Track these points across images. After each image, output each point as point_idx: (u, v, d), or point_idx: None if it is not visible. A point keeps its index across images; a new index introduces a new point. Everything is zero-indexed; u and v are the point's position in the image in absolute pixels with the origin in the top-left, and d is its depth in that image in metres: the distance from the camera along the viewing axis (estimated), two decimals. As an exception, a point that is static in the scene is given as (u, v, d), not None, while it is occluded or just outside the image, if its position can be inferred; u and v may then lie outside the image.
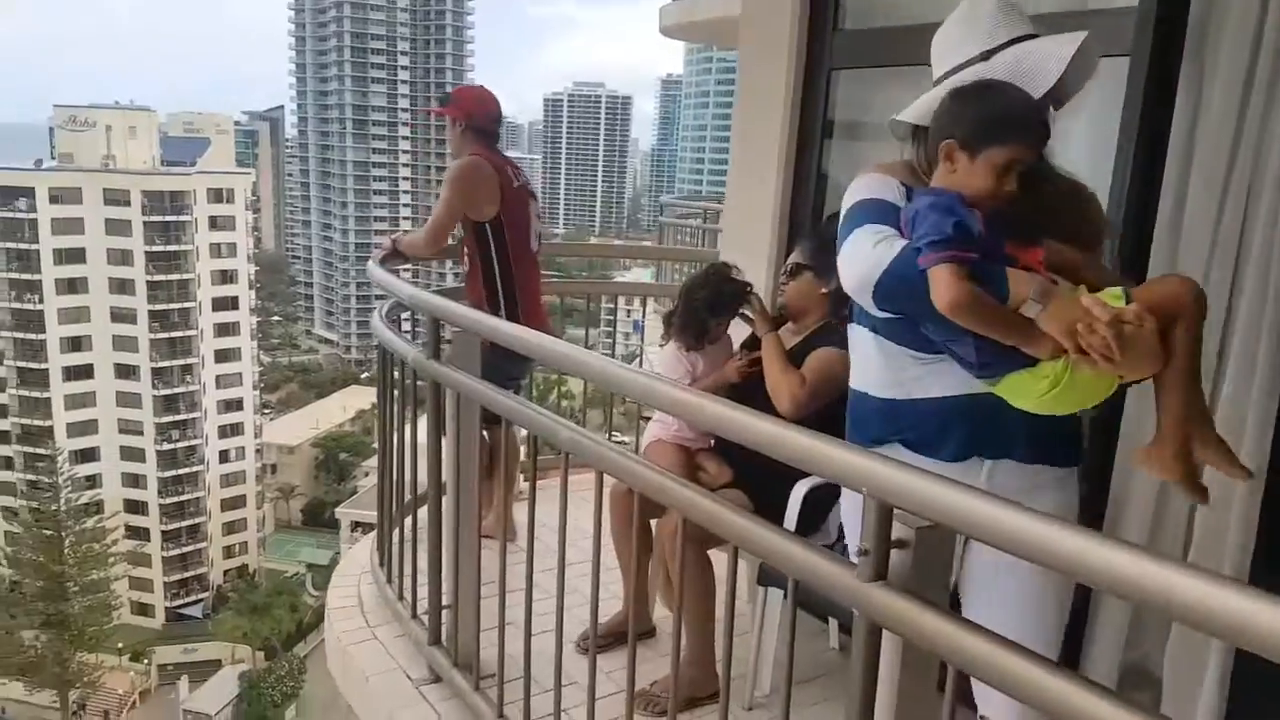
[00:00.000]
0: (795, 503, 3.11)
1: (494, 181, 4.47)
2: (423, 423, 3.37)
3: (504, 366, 3.34)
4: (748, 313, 3.56)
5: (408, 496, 3.68)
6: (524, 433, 3.17)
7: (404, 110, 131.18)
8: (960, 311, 1.92)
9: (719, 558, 2.90)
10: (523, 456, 4.23)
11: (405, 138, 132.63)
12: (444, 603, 3.29)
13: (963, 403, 2.13)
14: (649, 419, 4.10)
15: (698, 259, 7.96)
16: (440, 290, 4.56)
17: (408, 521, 3.62)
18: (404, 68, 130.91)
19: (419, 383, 3.37)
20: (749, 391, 3.32)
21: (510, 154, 4.79)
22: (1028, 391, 2.03)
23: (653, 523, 3.43)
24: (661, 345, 3.92)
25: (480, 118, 4.56)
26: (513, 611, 2.90)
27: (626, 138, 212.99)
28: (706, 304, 3.60)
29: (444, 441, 3.24)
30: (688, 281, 3.89)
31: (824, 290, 3.34)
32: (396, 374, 3.65)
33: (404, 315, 4.41)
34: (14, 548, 61.27)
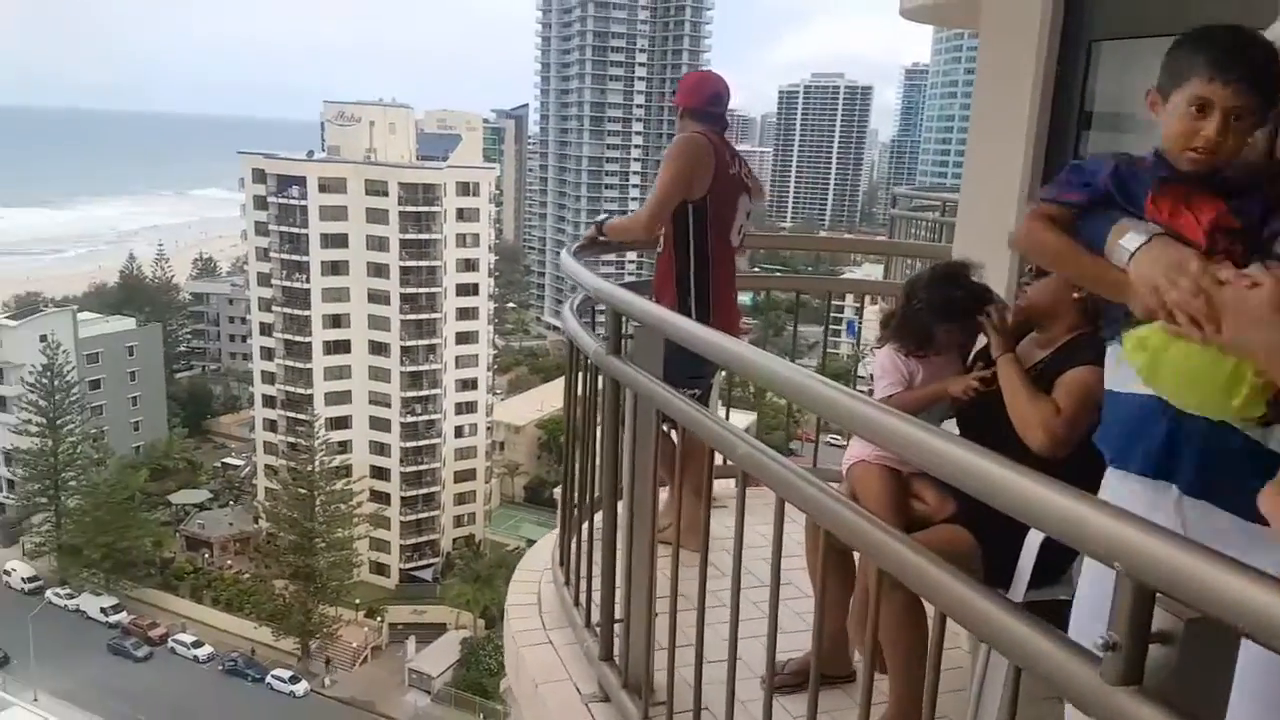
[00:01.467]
0: (1031, 550, 2.58)
1: (710, 160, 4.24)
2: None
3: (689, 365, 3.10)
4: (985, 323, 3.01)
5: (590, 497, 3.53)
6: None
7: (639, 106, 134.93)
8: (1023, 250, 1.97)
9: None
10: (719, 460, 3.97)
11: (638, 133, 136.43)
12: (617, 615, 3.11)
13: (1153, 404, 1.71)
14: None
15: (929, 255, 7.33)
16: (633, 284, 4.39)
17: (588, 523, 3.47)
18: (641, 64, 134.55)
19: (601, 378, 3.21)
20: (979, 415, 2.87)
21: (741, 147, 4.56)
22: (1136, 362, 1.68)
23: (855, 553, 3.05)
24: (877, 347, 3.52)
25: (698, 98, 4.38)
26: (688, 633, 2.66)
27: (865, 129, 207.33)
28: (932, 306, 3.15)
29: (623, 442, 3.05)
30: (912, 278, 3.46)
31: (1077, 294, 2.76)
32: (583, 367, 3.52)
33: (599, 309, 4.26)
34: (272, 503, 69.25)
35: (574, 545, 3.64)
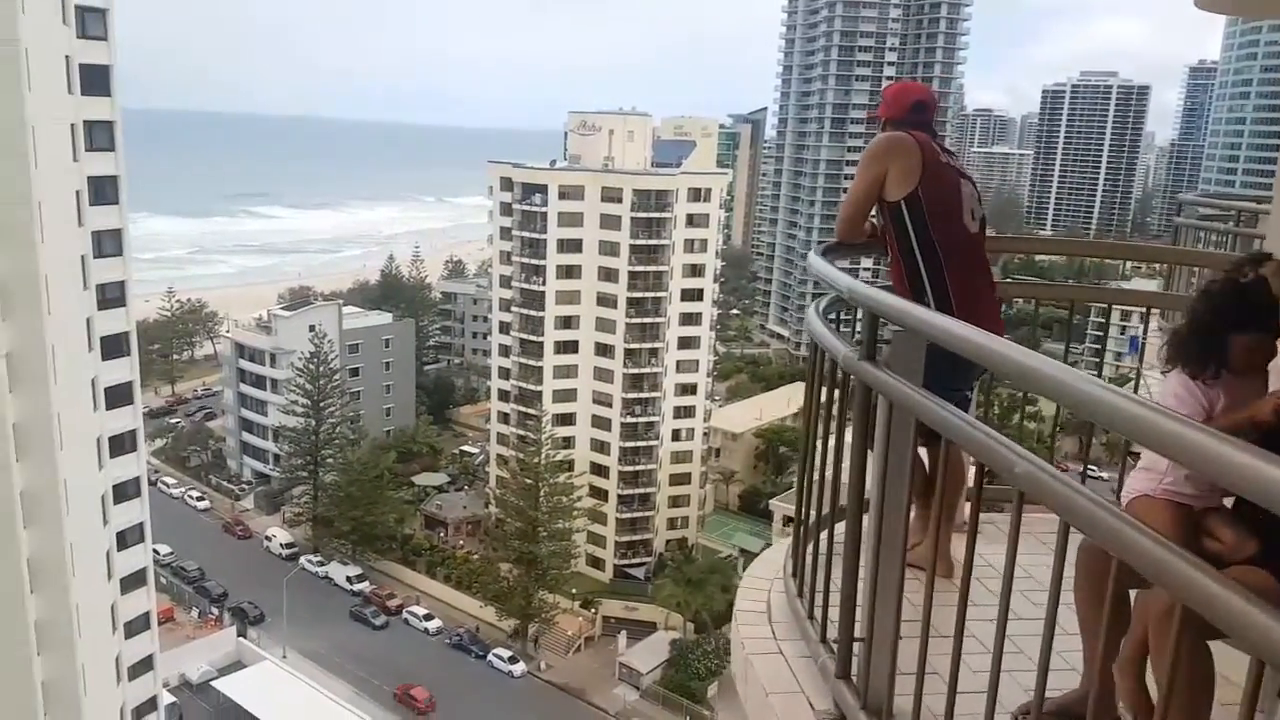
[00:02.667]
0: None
1: (912, 154, 4.08)
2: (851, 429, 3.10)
3: (945, 375, 2.92)
4: None
5: (828, 509, 3.43)
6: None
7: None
8: None
9: (1218, 647, 2.23)
10: (969, 481, 3.75)
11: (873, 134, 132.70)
12: (857, 634, 2.99)
13: None
14: (1138, 456, 3.33)
15: (1222, 265, 6.45)
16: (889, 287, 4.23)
17: (826, 535, 3.37)
18: (890, 64, 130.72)
19: (850, 385, 3.10)
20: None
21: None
22: None
23: (1132, 593, 2.76)
24: (1164, 372, 3.13)
25: (900, 109, 4.33)
26: (936, 660, 2.51)
27: (1140, 131, 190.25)
28: (1226, 315, 2.78)
29: (871, 453, 2.93)
30: (1203, 286, 3.08)
31: None
32: (827, 374, 3.42)
33: (844, 314, 4.15)
34: (502, 490, 73.64)
35: (809, 558, 3.55)
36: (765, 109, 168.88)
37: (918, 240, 4.10)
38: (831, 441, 3.36)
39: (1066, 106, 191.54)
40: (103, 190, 37.45)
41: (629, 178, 74.47)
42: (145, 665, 42.35)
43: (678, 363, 77.16)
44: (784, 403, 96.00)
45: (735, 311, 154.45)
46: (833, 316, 3.70)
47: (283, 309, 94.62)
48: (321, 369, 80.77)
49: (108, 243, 37.95)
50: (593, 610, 68.47)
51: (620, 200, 72.82)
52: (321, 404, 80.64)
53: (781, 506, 64.62)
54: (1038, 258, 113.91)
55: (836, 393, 3.25)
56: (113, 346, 37.77)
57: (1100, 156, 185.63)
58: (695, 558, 74.34)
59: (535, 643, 65.29)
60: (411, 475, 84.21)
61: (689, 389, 78.63)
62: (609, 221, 73.30)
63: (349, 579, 71.97)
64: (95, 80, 36.44)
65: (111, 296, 38.12)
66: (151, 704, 43.62)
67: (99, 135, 37.26)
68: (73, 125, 34.57)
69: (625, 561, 75.40)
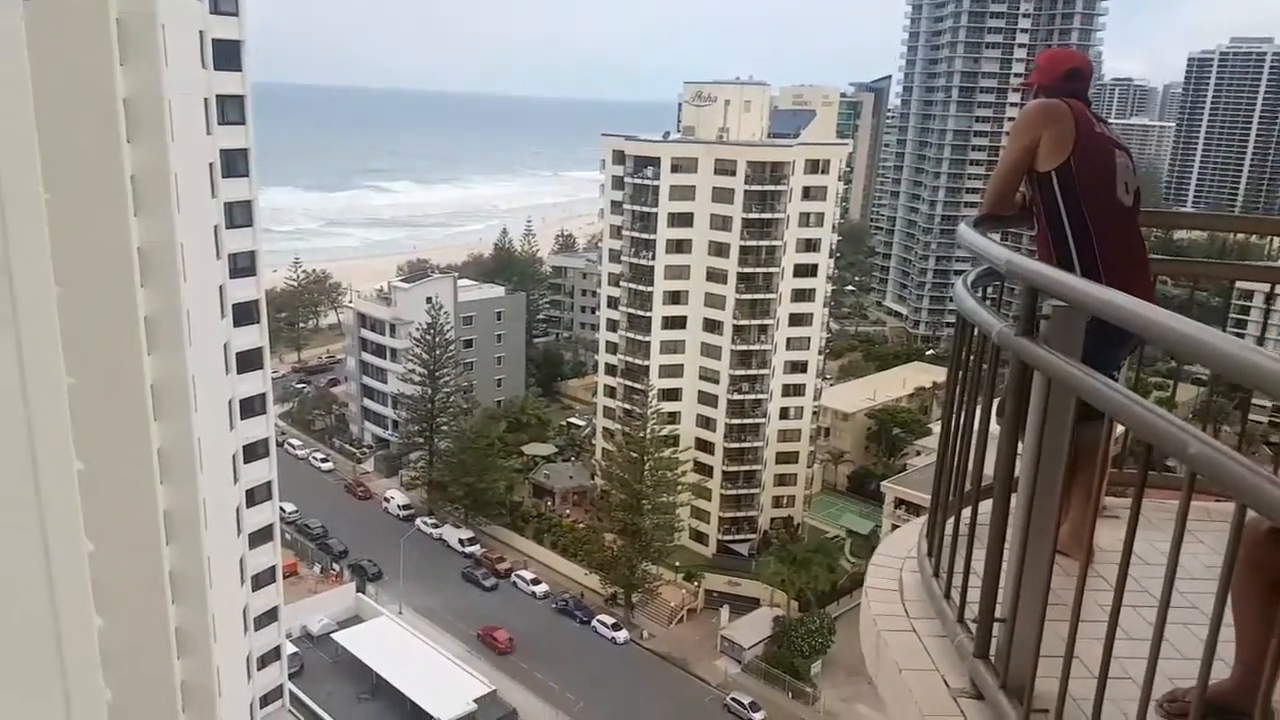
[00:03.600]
0: None
1: (1065, 122, 3.95)
2: (996, 406, 3.06)
3: (1097, 353, 2.84)
4: None
5: (969, 486, 3.39)
6: (1116, 433, 2.66)
7: (1016, 76, 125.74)
8: None
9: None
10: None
11: (1014, 104, 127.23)
12: (997, 614, 2.97)
13: None
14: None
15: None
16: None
17: (966, 514, 3.34)
18: (1023, 30, 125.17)
19: (1001, 361, 3.05)
20: None
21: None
22: None
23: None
24: None
25: (1052, 76, 4.21)
26: (1081, 645, 2.48)
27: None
28: None
29: (1022, 431, 2.88)
30: None
31: None
32: (975, 349, 3.36)
33: (991, 287, 4.05)
34: (608, 463, 74.77)
35: (946, 536, 3.52)
36: (889, 77, 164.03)
37: (1068, 213, 3.99)
38: (978, 417, 3.31)
39: (1214, 75, 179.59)
40: (234, 163, 39.43)
41: (743, 149, 73.63)
42: (270, 616, 44.98)
43: (788, 340, 76.32)
44: (899, 383, 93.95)
45: (851, 288, 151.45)
46: (980, 289, 3.62)
47: (402, 281, 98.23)
48: (437, 339, 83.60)
49: (239, 214, 40.01)
50: (695, 584, 69.04)
51: (734, 173, 72.12)
52: (437, 373, 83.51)
53: (894, 489, 63.41)
54: (1175, 235, 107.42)
55: (987, 368, 3.19)
56: (243, 314, 39.92)
57: (1249, 129, 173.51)
58: (801, 537, 73.97)
59: (632, 609, 66.37)
60: (521, 445, 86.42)
61: (799, 367, 77.76)
62: (721, 195, 72.74)
63: (461, 541, 74.75)
64: (227, 55, 38.23)
65: (242, 266, 40.25)
66: (275, 653, 46.35)
67: (231, 110, 39.18)
68: (205, 99, 36.42)
69: (729, 537, 75.59)
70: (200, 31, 35.55)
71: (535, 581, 69.47)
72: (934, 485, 3.70)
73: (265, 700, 44.86)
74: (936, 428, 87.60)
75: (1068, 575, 3.04)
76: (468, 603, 66.86)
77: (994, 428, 3.19)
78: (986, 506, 3.18)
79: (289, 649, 50.96)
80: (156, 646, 35.28)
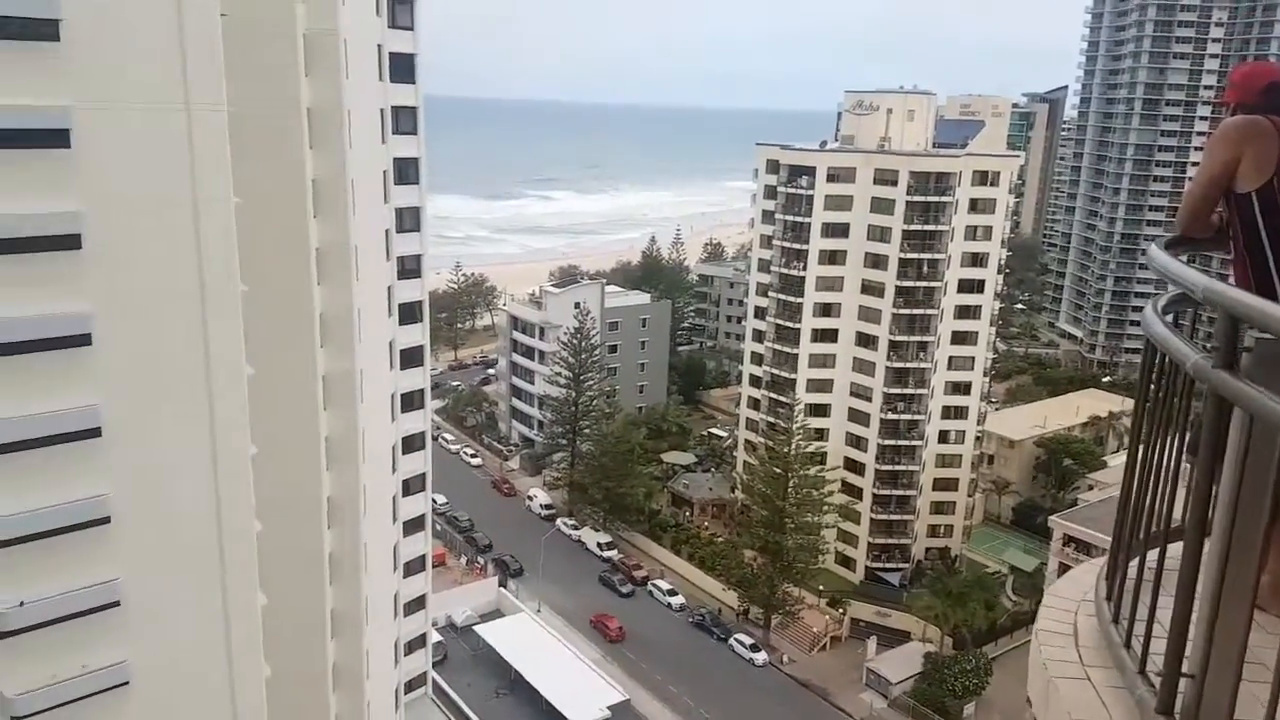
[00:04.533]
0: None
1: (1268, 141, 3.69)
2: (1188, 442, 2.87)
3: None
4: None
5: (1157, 528, 3.19)
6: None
7: (1206, 89, 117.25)
8: None
9: None
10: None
11: (1204, 118, 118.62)
12: (1184, 670, 2.77)
13: None
14: None
15: None
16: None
17: (1152, 557, 3.14)
18: (1215, 40, 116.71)
19: (1195, 394, 2.86)
20: None
21: None
22: None
23: None
24: None
25: (1250, 92, 3.97)
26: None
27: None
28: None
29: (1219, 471, 2.69)
30: None
31: None
32: (1165, 379, 3.16)
33: (1183, 313, 3.81)
34: (749, 476, 74.17)
35: (1128, 580, 3.32)
36: (1065, 88, 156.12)
37: (1270, 237, 3.73)
38: (1164, 455, 3.12)
39: None
40: (405, 171, 41.61)
41: (906, 159, 71.61)
42: (418, 604, 47.01)
43: (950, 359, 73.57)
44: (1072, 410, 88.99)
45: (1020, 306, 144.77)
46: (1172, 316, 3.41)
47: (552, 286, 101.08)
48: (583, 344, 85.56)
49: (408, 219, 42.19)
50: (840, 610, 67.42)
51: (895, 183, 70.25)
52: (581, 377, 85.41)
53: (1064, 525, 59.91)
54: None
55: (1178, 401, 3.00)
56: (408, 313, 42.05)
57: None
58: (959, 570, 71.05)
59: (770, 630, 65.41)
60: (660, 452, 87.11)
61: (961, 388, 74.78)
62: (880, 205, 70.95)
63: (599, 545, 75.96)
64: (401, 68, 40.37)
65: (409, 268, 42.42)
66: (421, 640, 48.38)
67: (404, 120, 41.36)
68: (382, 110, 38.59)
69: (879, 565, 73.34)
70: (378, 45, 37.67)
71: (671, 592, 69.68)
72: (1116, 524, 3.50)
73: (410, 686, 46.85)
74: (1113, 460, 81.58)
75: (1266, 632, 2.81)
76: (603, 606, 67.78)
77: (1185, 464, 3.00)
78: (1175, 550, 2.98)
79: (434, 637, 53.04)
80: (312, 626, 37.51)
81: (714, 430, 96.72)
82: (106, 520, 23.20)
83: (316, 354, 35.69)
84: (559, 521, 79.00)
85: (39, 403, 21.84)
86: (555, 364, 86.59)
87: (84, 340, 22.16)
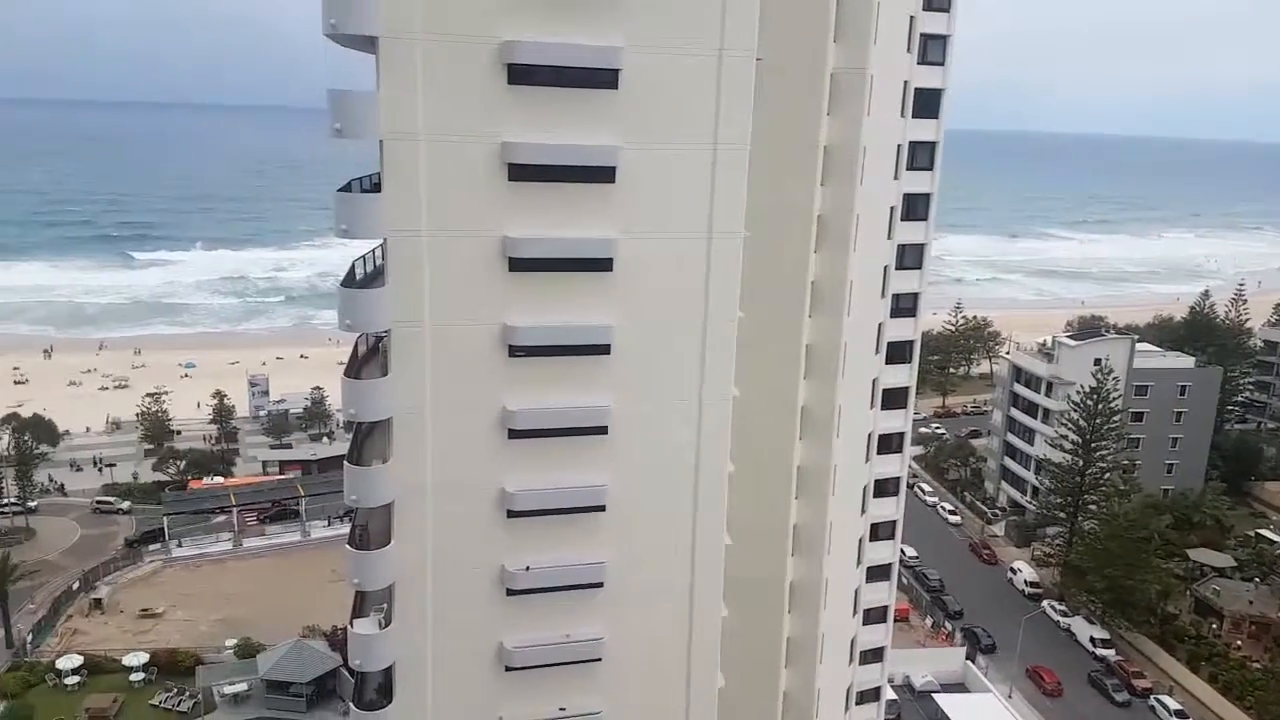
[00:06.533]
0: None
1: None
2: None
3: None
4: None
5: None
6: None
7: None
8: None
9: None
10: None
11: None
12: None
13: None
14: None
15: None
16: None
17: None
18: None
19: None
20: None
21: None
22: None
23: None
24: None
25: None
26: None
27: None
28: None
29: None
30: None
31: None
32: None
33: None
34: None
35: None
36: None
37: None
38: None
39: None
40: (914, 206, 41.63)
41: None
42: (875, 655, 46.41)
43: None
44: None
45: None
46: None
47: (1068, 337, 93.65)
48: (1100, 407, 77.99)
49: (909, 256, 42.14)
50: None
51: None
52: (1093, 444, 77.95)
53: None
54: None
55: None
56: (896, 352, 41.95)
57: None
58: None
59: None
60: (1187, 547, 75.88)
61: None
62: None
63: (1093, 640, 68.55)
64: (925, 103, 40.46)
65: (904, 306, 42.30)
66: (874, 693, 47.64)
67: (920, 155, 41.40)
68: (899, 146, 39.08)
69: None
70: (904, 82, 38.25)
71: (1181, 715, 60.18)
72: None
73: (856, 736, 46.46)
74: None
75: None
76: (1090, 710, 60.86)
77: None
78: None
79: (888, 693, 52.03)
80: (768, 650, 39.18)
81: (1264, 532, 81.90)
82: (601, 508, 26.79)
83: (799, 384, 37.32)
84: (1045, 603, 72.82)
85: (568, 397, 25.97)
86: (1062, 425, 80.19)
87: (604, 350, 25.88)
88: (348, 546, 26.40)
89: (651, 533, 27.34)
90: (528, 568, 26.36)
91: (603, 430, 26.26)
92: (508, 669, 26.97)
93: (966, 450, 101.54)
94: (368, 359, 26.79)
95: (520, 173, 24.30)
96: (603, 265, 25.37)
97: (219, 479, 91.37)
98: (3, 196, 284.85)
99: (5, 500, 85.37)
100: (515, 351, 25.20)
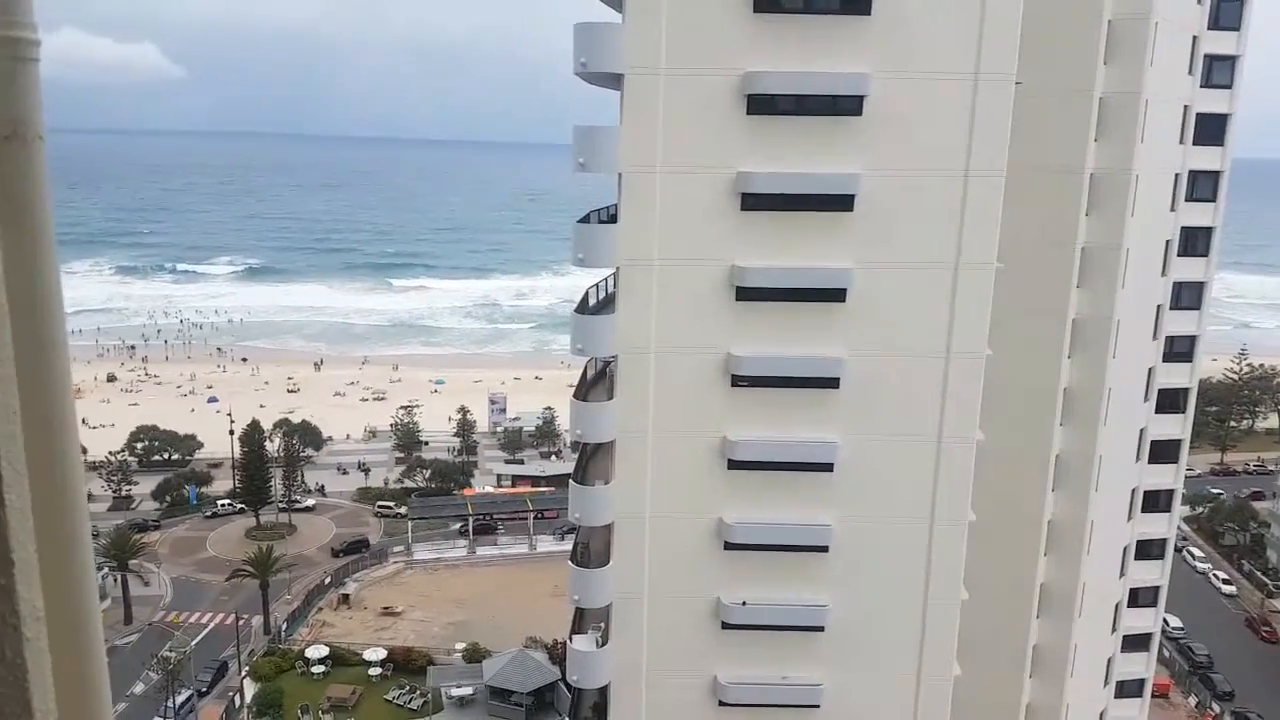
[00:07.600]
0: None
1: None
2: None
3: None
4: None
5: None
6: None
7: None
8: None
9: None
10: None
11: None
12: None
13: None
14: None
15: None
16: None
17: None
18: None
19: None
20: None
21: None
22: None
23: None
24: None
25: None
26: None
27: None
28: None
29: None
30: None
31: None
32: None
33: None
34: None
35: None
36: None
37: None
38: None
39: None
40: (1193, 241, 37.88)
41: None
42: (1126, 733, 42.26)
43: None
44: None
45: None
46: None
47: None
48: None
49: (1186, 295, 38.32)
50: None
51: None
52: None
53: None
54: None
55: None
56: (1168, 400, 38.21)
57: None
58: None
59: None
60: None
61: None
62: None
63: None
64: (1209, 130, 36.85)
65: (1179, 350, 38.50)
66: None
67: (1201, 185, 37.69)
68: (1176, 175, 35.74)
69: None
70: (1184, 106, 35.10)
71: None
72: None
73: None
74: None
75: None
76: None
77: None
78: None
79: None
80: (1004, 718, 36.46)
81: None
82: (824, 549, 25.90)
83: (1054, 430, 34.66)
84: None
85: (792, 430, 25.41)
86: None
87: (833, 383, 25.13)
88: (569, 562, 27.11)
89: (879, 579, 26.15)
90: (744, 602, 25.95)
91: (828, 468, 25.48)
92: (721, 703, 26.60)
93: (1247, 513, 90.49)
94: (595, 382, 27.52)
95: (754, 202, 24.19)
96: (835, 296, 24.72)
97: (489, 488, 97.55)
98: (293, 224, 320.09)
99: (274, 498, 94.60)
100: (738, 381, 25.01)
